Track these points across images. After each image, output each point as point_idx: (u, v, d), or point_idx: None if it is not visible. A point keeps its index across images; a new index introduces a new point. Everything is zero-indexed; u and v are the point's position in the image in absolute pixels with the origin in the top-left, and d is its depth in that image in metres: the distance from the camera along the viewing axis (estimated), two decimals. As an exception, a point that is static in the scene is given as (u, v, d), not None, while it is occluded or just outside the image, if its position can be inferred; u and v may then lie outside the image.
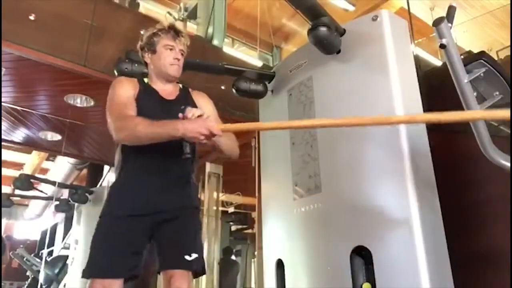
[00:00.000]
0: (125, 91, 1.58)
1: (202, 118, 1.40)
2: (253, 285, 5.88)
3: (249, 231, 6.54)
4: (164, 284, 1.47)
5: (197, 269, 1.49)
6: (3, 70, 3.19)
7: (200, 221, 1.62)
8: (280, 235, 2.04)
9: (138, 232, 1.49)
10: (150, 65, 1.70)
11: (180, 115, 1.40)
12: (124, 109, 1.52)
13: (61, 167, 6.40)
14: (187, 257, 1.45)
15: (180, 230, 1.51)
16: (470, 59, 1.49)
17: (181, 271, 1.44)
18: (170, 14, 4.91)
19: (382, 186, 1.63)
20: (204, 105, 1.69)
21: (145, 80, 1.70)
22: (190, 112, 1.40)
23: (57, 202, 5.31)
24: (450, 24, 1.23)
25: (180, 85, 1.75)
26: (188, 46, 1.72)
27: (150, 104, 1.59)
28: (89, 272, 1.45)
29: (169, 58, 1.65)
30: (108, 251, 1.45)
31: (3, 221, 8.41)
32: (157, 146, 1.47)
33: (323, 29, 1.75)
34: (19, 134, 4.67)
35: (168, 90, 1.68)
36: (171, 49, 1.66)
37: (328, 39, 1.79)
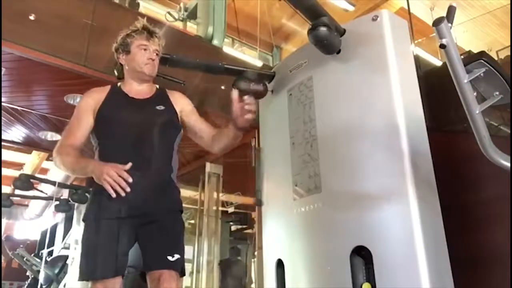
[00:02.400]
0: (84, 106, 1.64)
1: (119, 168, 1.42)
2: (253, 285, 5.87)
3: (249, 231, 6.53)
4: (150, 285, 1.49)
5: (177, 270, 1.51)
6: (3, 70, 3.19)
7: (183, 224, 1.65)
8: (280, 235, 2.03)
9: (125, 234, 1.51)
10: (125, 66, 1.74)
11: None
12: (69, 135, 1.60)
13: (61, 167, 6.37)
14: (169, 258, 1.48)
15: (164, 232, 1.54)
16: (470, 59, 1.48)
17: (168, 271, 1.46)
18: (170, 14, 4.91)
19: (382, 186, 1.63)
20: (180, 101, 1.75)
21: (119, 84, 1.73)
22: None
23: (57, 202, 5.31)
24: (450, 24, 1.23)
25: (157, 86, 1.78)
26: (163, 46, 1.77)
27: (115, 107, 1.64)
28: (85, 275, 1.48)
29: (143, 58, 1.68)
30: (100, 253, 1.47)
31: (3, 221, 8.41)
32: (133, 152, 1.53)
33: (323, 29, 1.75)
34: (19, 134, 4.67)
35: (142, 91, 1.72)
36: (145, 49, 1.70)
37: (328, 39, 1.79)
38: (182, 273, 1.54)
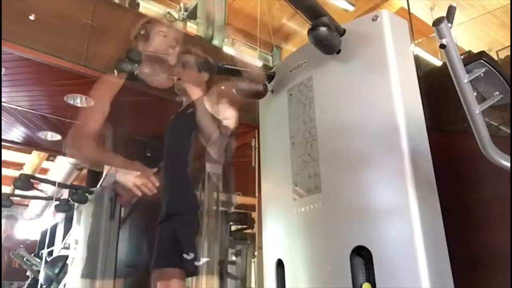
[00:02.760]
0: (101, 92, 1.60)
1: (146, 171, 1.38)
2: (253, 285, 5.87)
3: (249, 231, 6.53)
4: (153, 282, 1.46)
5: (192, 269, 1.48)
6: (3, 70, 3.19)
7: (199, 222, 1.61)
8: (280, 235, 2.03)
9: (132, 233, 1.50)
10: (143, 54, 1.69)
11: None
12: (86, 124, 1.54)
13: (61, 167, 6.39)
14: (185, 256, 1.44)
15: (179, 229, 1.50)
16: (470, 59, 1.48)
17: (177, 270, 1.44)
18: (170, 14, 4.91)
19: (382, 186, 1.63)
20: (193, 96, 1.70)
21: (136, 72, 1.68)
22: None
23: (57, 202, 5.29)
24: (450, 24, 1.23)
25: (174, 77, 1.75)
26: (181, 36, 1.72)
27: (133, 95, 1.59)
28: (85, 273, 1.47)
29: (162, 44, 1.65)
30: (104, 253, 1.47)
31: (3, 221, 8.40)
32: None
33: (323, 29, 1.75)
34: (19, 134, 4.67)
35: (161, 80, 1.68)
36: (164, 36, 1.66)
37: (328, 39, 1.79)
38: (196, 272, 1.51)
